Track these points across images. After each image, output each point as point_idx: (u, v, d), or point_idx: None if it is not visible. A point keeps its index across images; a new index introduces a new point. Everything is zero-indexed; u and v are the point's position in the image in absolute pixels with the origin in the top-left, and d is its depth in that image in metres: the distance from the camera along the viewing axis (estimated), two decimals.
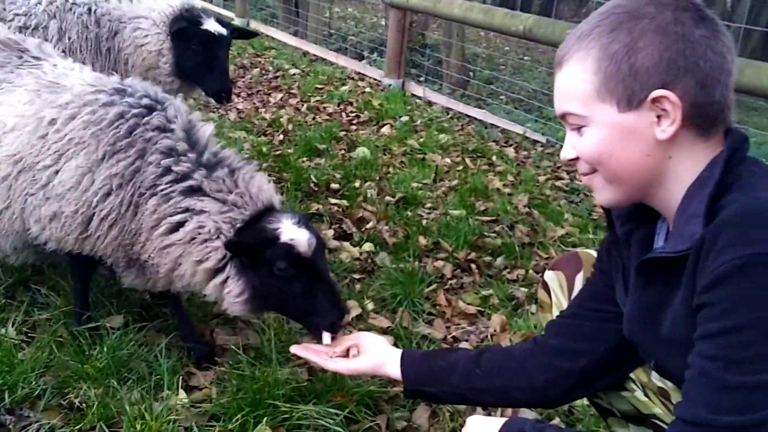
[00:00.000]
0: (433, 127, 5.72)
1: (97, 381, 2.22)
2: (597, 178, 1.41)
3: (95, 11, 3.28)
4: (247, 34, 3.94)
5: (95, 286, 2.66)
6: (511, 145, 5.55)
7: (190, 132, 2.24)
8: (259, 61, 7.87)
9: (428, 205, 4.12)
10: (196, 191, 2.12)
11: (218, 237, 2.06)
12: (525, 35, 5.14)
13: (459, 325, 2.88)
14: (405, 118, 5.82)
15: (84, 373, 2.23)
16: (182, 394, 2.23)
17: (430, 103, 6.56)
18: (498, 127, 5.90)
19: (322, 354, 1.91)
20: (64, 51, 3.10)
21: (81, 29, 3.19)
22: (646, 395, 1.74)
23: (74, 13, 3.22)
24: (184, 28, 3.18)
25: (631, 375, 1.75)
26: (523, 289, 3.16)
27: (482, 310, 2.99)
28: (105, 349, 2.31)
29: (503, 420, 1.43)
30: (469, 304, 3.03)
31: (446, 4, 6.00)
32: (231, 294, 2.08)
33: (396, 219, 3.81)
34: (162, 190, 2.13)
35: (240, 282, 2.07)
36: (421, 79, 7.47)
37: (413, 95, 6.74)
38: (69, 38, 3.18)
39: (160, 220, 2.12)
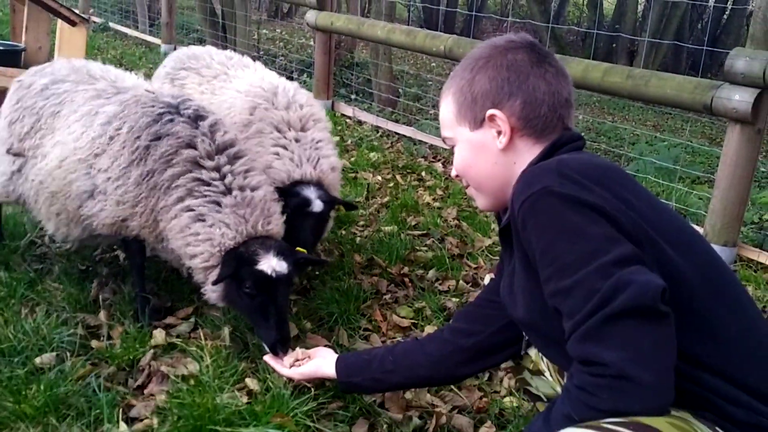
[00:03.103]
0: (363, 145, 5.85)
1: (36, 420, 2.22)
2: (471, 189, 1.75)
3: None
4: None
5: (25, 324, 2.64)
6: (439, 160, 5.73)
7: (219, 145, 2.64)
8: None
9: (361, 222, 4.23)
10: (215, 203, 2.55)
11: (218, 246, 2.50)
12: (446, 55, 5.33)
13: (394, 338, 2.97)
14: (336, 138, 5.91)
15: (21, 413, 2.22)
16: (123, 426, 2.24)
17: (360, 123, 6.69)
18: (426, 143, 6.07)
19: (283, 364, 2.36)
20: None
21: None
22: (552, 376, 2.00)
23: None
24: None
25: (544, 358, 2.01)
26: (454, 299, 3.30)
27: (416, 322, 3.10)
28: (42, 387, 2.31)
29: None
30: (403, 317, 3.14)
31: (369, 26, 6.15)
32: (209, 286, 2.56)
33: (330, 238, 3.89)
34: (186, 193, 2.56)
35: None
36: (352, 97, 7.59)
37: (343, 115, 6.86)
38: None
39: (179, 215, 2.56)
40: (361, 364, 2.19)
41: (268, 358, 2.43)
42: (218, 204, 2.55)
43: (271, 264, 2.46)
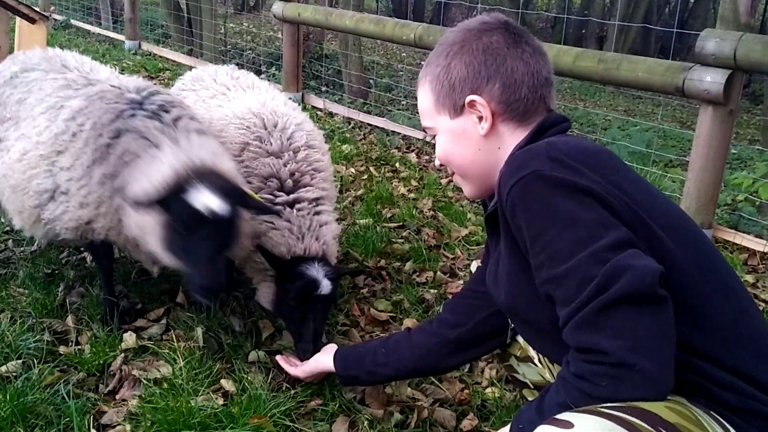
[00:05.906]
0: (335, 138, 5.77)
1: (2, 431, 2.14)
2: (457, 176, 1.71)
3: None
4: (351, 272, 3.10)
5: None
6: (413, 151, 5.68)
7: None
8: (153, 84, 7.67)
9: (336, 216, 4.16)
10: None
11: None
12: (416, 43, 5.28)
13: (372, 333, 2.93)
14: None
15: None
16: None
17: (331, 114, 6.61)
18: (399, 133, 6.01)
19: (291, 363, 2.43)
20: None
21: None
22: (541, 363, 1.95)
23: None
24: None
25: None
26: (432, 291, 3.25)
27: (394, 315, 3.06)
28: (8, 396, 2.22)
29: None
30: (381, 311, 3.09)
31: (337, 16, 6.07)
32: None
33: None
34: None
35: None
36: (323, 89, 7.51)
37: (314, 107, 6.78)
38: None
39: None
40: (356, 357, 2.20)
41: (279, 358, 2.48)
42: None
43: (201, 200, 2.18)
